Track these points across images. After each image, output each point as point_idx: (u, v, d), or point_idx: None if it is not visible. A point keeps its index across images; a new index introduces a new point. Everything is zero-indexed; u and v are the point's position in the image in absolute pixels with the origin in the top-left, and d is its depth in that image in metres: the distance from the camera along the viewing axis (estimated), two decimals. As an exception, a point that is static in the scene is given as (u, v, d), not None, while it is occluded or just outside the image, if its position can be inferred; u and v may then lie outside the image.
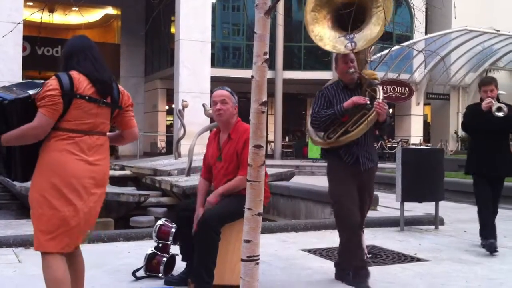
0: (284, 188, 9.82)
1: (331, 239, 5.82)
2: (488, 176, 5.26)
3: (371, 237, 5.51)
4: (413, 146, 18.76)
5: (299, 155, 23.01)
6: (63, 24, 30.71)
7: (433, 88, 25.13)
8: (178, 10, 19.56)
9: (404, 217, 6.43)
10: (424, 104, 25.83)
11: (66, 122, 2.70)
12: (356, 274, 3.84)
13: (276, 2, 2.12)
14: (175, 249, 4.13)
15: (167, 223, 4.18)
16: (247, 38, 24.19)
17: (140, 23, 26.19)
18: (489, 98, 5.05)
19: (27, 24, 16.43)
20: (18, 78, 15.96)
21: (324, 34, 4.00)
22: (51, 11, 27.83)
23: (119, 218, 9.09)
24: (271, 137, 24.92)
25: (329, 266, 4.54)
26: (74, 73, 2.74)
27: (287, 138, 25.75)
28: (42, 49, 26.12)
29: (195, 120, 15.87)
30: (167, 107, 26.26)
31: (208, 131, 15.48)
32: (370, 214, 5.40)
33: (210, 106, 4.64)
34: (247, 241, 2.13)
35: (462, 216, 7.69)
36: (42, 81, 2.82)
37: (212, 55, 21.37)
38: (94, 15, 31.50)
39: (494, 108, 4.97)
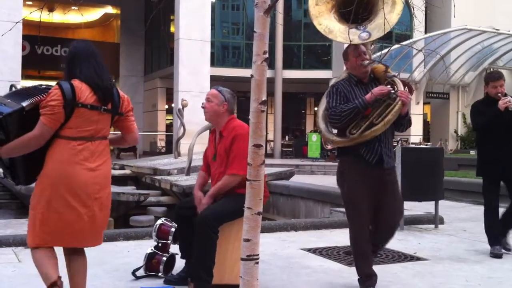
0: (284, 187, 9.83)
1: (331, 238, 5.82)
2: (502, 177, 4.96)
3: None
4: (413, 145, 18.77)
5: (299, 154, 23.01)
6: (62, 23, 30.72)
7: (433, 87, 25.12)
8: (177, 9, 19.56)
9: (403, 216, 6.42)
10: (424, 103, 25.82)
11: (68, 129, 2.79)
12: (363, 281, 3.67)
13: (276, 1, 2.11)
14: (175, 249, 4.13)
15: (167, 223, 4.18)
16: (246, 37, 24.18)
17: (140, 22, 26.19)
18: (507, 98, 4.81)
19: (27, 23, 16.40)
20: (18, 77, 15.98)
21: (334, 27, 3.82)
22: (51, 10, 27.79)
23: (119, 218, 9.11)
24: (270, 136, 24.92)
25: (328, 265, 4.54)
26: (76, 82, 2.80)
27: (286, 137, 25.75)
28: (41, 48, 26.10)
29: (195, 119, 15.86)
30: (166, 106, 26.26)
31: (208, 131, 15.52)
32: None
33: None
34: (247, 240, 2.13)
35: (461, 215, 7.70)
36: (44, 86, 2.89)
37: (212, 54, 21.36)
38: (94, 14, 31.50)
39: None
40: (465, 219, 7.36)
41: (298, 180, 11.46)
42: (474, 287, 3.98)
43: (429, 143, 23.30)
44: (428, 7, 11.86)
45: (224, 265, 3.67)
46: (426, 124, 27.66)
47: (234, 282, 3.52)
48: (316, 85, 25.43)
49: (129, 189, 10.95)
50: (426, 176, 6.38)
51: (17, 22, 4.57)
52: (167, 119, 26.38)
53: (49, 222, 2.78)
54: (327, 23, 3.83)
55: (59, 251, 2.94)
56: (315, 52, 25.50)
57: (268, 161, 16.43)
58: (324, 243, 5.47)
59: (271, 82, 22.29)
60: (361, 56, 3.62)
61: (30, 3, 21.98)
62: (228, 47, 25.03)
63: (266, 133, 24.44)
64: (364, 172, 3.56)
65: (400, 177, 6.33)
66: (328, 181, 12.94)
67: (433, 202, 6.59)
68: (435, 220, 6.67)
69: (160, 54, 26.21)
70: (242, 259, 2.14)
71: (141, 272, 4.04)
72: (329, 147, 21.17)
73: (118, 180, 12.42)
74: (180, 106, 14.90)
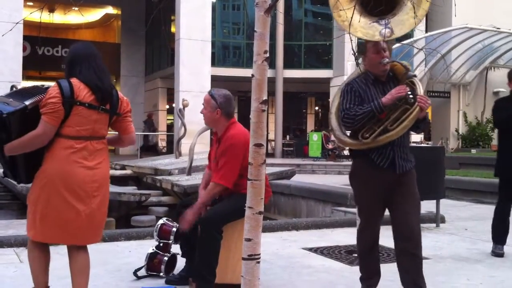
0: (285, 187, 9.83)
1: (332, 237, 5.82)
2: None
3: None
4: (414, 144, 18.77)
5: (300, 154, 23.00)
6: (63, 24, 30.70)
7: (434, 86, 25.09)
8: (178, 9, 19.55)
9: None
10: (425, 102, 25.79)
11: (67, 127, 2.83)
12: (363, 279, 3.63)
13: (276, 1, 2.11)
14: (176, 248, 4.13)
15: (168, 222, 4.18)
16: (247, 37, 24.17)
17: (140, 22, 26.17)
18: None
19: (27, 24, 16.43)
20: (19, 78, 15.98)
21: (354, 20, 3.47)
22: (51, 11, 27.82)
23: (120, 218, 9.11)
24: (271, 136, 24.91)
25: (330, 265, 4.54)
26: (75, 81, 2.86)
27: (287, 137, 25.74)
28: (42, 49, 26.10)
29: (196, 119, 15.84)
30: (167, 107, 26.26)
31: (209, 131, 15.53)
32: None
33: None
34: (248, 240, 2.13)
35: (463, 214, 7.69)
36: (46, 86, 2.93)
37: (213, 54, 21.35)
38: (94, 14, 31.48)
39: None
40: (466, 218, 7.36)
41: (299, 179, 11.46)
42: (476, 286, 3.98)
43: (430, 142, 23.29)
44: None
45: (226, 264, 3.67)
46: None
47: (236, 282, 3.52)
48: (317, 85, 25.42)
49: (130, 189, 10.96)
50: (427, 175, 6.37)
51: (17, 23, 4.57)
52: (168, 119, 26.38)
53: (48, 219, 2.82)
54: (348, 15, 3.47)
55: (60, 250, 2.95)
56: (316, 52, 25.49)
57: (269, 160, 16.42)
58: (326, 243, 5.47)
59: (271, 81, 22.28)
60: (380, 53, 3.37)
61: (31, 4, 21.96)
62: (228, 47, 25.02)
63: (267, 133, 24.44)
64: (375, 175, 3.36)
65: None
66: (329, 181, 12.94)
67: (434, 201, 6.59)
68: (436, 219, 6.67)
69: (160, 54, 26.21)
70: (244, 259, 2.14)
71: (142, 272, 4.04)
72: (330, 146, 21.20)
73: (119, 180, 12.44)
74: (181, 106, 14.90)
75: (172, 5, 19.68)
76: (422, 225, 6.59)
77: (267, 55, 2.10)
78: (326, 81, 24.10)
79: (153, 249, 4.11)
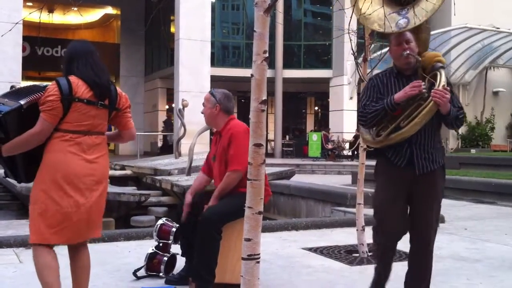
0: (285, 187, 9.83)
1: (332, 237, 5.82)
2: None
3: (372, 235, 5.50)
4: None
5: (299, 154, 23.02)
6: (62, 24, 30.71)
7: (433, 86, 25.12)
8: (177, 9, 19.56)
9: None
10: (425, 102, 25.81)
11: (66, 123, 2.86)
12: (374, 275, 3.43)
13: (276, 1, 2.11)
14: (175, 249, 4.13)
15: (168, 223, 4.19)
16: (246, 37, 24.19)
17: (140, 22, 26.18)
18: None
19: (27, 24, 16.42)
20: (18, 78, 15.99)
21: (373, 11, 3.32)
22: (51, 11, 27.81)
23: (120, 218, 9.11)
24: (271, 136, 24.93)
25: (329, 265, 4.55)
26: (73, 78, 2.89)
27: (287, 137, 25.75)
28: (42, 49, 26.10)
29: (195, 119, 15.85)
30: (167, 107, 26.27)
31: (208, 131, 15.52)
32: (371, 211, 5.40)
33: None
34: (248, 240, 2.13)
35: (462, 214, 7.70)
36: (45, 84, 2.96)
37: (212, 54, 21.36)
38: (94, 15, 31.49)
39: None
40: (466, 217, 7.36)
41: (299, 179, 11.47)
42: (476, 285, 3.98)
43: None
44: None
45: (226, 264, 3.67)
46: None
47: (236, 282, 3.52)
48: (316, 85, 25.43)
49: (130, 189, 10.96)
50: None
51: (16, 23, 4.56)
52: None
53: (48, 214, 2.81)
54: (367, 6, 3.34)
55: (60, 251, 2.95)
56: (315, 52, 25.50)
57: (269, 160, 16.43)
58: (325, 242, 5.47)
59: (271, 81, 22.29)
60: (401, 45, 3.12)
61: (30, 4, 21.96)
62: (228, 47, 25.04)
63: (267, 133, 24.45)
64: (395, 175, 3.15)
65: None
66: (329, 181, 12.95)
67: (434, 201, 6.57)
68: (436, 218, 6.66)
69: (160, 54, 26.22)
70: (243, 259, 2.13)
71: (142, 272, 4.04)
72: (329, 146, 21.21)
73: (119, 181, 12.44)
74: (180, 106, 14.90)
75: (172, 5, 19.69)
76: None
77: (267, 55, 2.10)
78: (326, 81, 24.11)
79: (152, 249, 4.11)
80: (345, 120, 22.69)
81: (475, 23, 20.88)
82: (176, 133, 16.60)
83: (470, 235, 5.99)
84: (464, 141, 24.62)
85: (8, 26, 4.44)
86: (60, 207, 2.80)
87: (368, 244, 4.94)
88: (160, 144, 25.41)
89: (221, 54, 24.70)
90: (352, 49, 5.20)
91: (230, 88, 3.99)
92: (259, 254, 2.15)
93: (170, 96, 23.08)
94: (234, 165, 3.66)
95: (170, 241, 4.13)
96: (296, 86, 25.69)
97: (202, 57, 19.73)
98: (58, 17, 29.68)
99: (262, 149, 2.14)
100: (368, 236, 5.12)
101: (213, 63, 21.52)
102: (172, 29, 22.24)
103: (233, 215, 3.60)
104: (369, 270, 4.35)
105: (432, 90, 2.98)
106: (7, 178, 7.56)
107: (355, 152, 20.09)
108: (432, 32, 19.76)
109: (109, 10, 30.24)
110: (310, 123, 28.61)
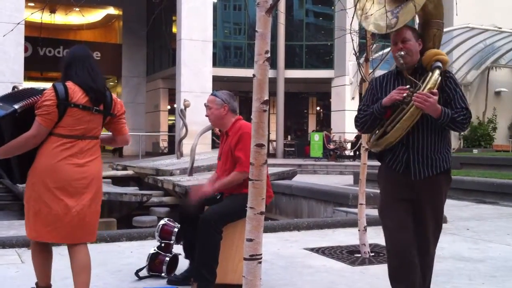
0: (286, 187, 9.83)
1: (334, 237, 5.82)
2: None
3: (374, 236, 5.50)
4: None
5: (301, 154, 23.03)
6: (64, 25, 30.76)
7: (435, 86, 25.10)
8: (179, 9, 19.57)
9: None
10: (426, 102, 25.79)
11: (61, 128, 2.93)
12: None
13: (278, 1, 2.11)
14: (177, 249, 4.13)
15: (170, 223, 4.19)
16: (248, 37, 24.21)
17: (142, 23, 26.21)
18: None
19: (29, 25, 16.45)
20: (20, 79, 16.01)
21: (372, 10, 3.18)
22: (52, 11, 27.86)
23: (122, 218, 9.11)
24: (273, 136, 24.93)
25: (331, 265, 4.54)
26: (70, 84, 2.96)
27: (289, 137, 25.75)
28: (43, 49, 26.14)
29: (197, 119, 15.88)
30: (169, 107, 26.28)
31: (210, 131, 15.52)
32: (373, 212, 5.40)
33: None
34: (250, 240, 2.13)
35: (464, 214, 7.69)
36: (42, 88, 3.05)
37: (214, 54, 21.38)
38: (96, 15, 31.53)
39: None
40: (468, 218, 7.35)
41: (301, 179, 11.46)
42: (478, 286, 3.97)
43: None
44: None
45: (227, 264, 3.67)
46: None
47: (237, 282, 3.53)
48: (318, 85, 25.43)
49: (132, 189, 10.97)
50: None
51: (18, 23, 4.58)
52: (169, 120, 26.41)
53: (40, 215, 2.90)
54: (368, 6, 3.21)
55: (61, 251, 2.95)
56: (317, 52, 25.51)
57: (271, 161, 16.44)
58: (327, 243, 5.46)
59: (273, 82, 22.29)
60: (397, 45, 2.96)
61: (32, 4, 22.00)
62: (230, 47, 25.06)
63: (268, 133, 24.42)
64: (394, 180, 3.02)
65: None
66: (331, 181, 12.95)
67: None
68: (438, 219, 6.65)
69: (162, 54, 26.24)
70: (245, 259, 2.13)
71: (144, 273, 4.04)
72: (331, 146, 21.21)
73: (120, 181, 12.46)
74: (182, 107, 14.90)
75: (173, 5, 19.71)
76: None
77: (268, 55, 2.10)
78: (327, 81, 24.11)
79: (154, 250, 4.11)
80: (347, 120, 22.67)
81: (477, 23, 20.86)
82: (178, 134, 16.61)
83: (472, 235, 5.98)
84: (466, 141, 24.59)
85: (10, 26, 4.45)
86: (51, 209, 2.89)
87: (370, 245, 4.94)
88: (162, 144, 25.43)
89: (223, 54, 24.72)
90: (354, 49, 5.19)
91: (232, 88, 3.99)
92: (261, 254, 2.15)
93: (172, 97, 23.12)
94: (243, 167, 3.65)
95: (172, 241, 4.13)
96: (298, 86, 25.69)
97: (204, 58, 19.75)
98: (60, 18, 29.74)
99: (264, 149, 2.14)
100: (370, 236, 5.12)
101: (215, 63, 21.53)
102: (174, 30, 22.26)
103: (234, 215, 3.60)
104: (371, 271, 4.36)
105: (414, 94, 2.82)
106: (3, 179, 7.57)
107: (357, 152, 20.08)
108: (434, 32, 19.42)
109: (111, 10, 30.28)
110: (312, 123, 28.60)
